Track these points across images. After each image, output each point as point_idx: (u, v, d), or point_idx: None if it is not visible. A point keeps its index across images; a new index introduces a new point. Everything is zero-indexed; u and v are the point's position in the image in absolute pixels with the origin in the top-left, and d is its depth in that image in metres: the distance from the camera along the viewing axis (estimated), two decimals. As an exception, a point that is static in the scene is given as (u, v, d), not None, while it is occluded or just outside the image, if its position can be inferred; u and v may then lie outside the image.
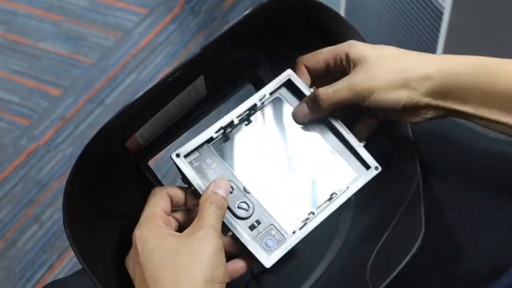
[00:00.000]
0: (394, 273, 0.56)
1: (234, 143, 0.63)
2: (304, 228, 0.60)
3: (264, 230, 0.60)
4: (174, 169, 1.61)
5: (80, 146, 1.69)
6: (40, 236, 1.53)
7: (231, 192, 0.60)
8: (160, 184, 0.66)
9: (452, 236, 0.63)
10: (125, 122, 0.57)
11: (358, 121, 0.67)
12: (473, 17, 1.29)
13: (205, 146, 0.61)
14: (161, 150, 0.67)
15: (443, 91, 0.60)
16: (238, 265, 0.59)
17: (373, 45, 0.63)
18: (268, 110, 0.65)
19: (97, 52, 1.90)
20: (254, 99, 0.63)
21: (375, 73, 0.61)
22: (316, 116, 0.64)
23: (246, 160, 0.62)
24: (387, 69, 0.61)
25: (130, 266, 0.57)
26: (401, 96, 0.60)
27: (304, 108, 0.64)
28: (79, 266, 0.60)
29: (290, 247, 0.60)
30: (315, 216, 0.61)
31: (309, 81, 0.65)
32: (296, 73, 0.65)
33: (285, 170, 0.63)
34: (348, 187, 0.63)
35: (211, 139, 0.62)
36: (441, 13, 1.27)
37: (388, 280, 0.56)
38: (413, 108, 0.62)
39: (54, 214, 1.56)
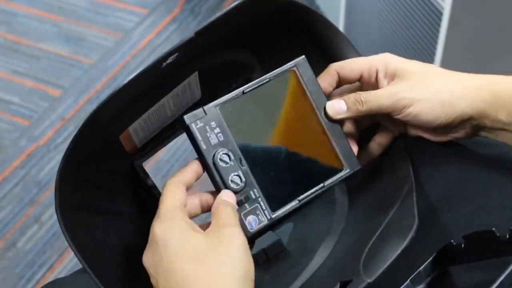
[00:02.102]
0: (389, 262, 0.56)
1: (241, 112, 0.61)
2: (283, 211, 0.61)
3: (250, 207, 0.60)
4: (174, 170, 1.62)
5: (80, 146, 1.69)
6: (40, 237, 1.53)
7: (227, 163, 0.59)
8: (153, 185, 0.66)
9: (451, 237, 0.63)
10: (118, 109, 0.57)
11: (374, 135, 0.67)
12: (473, 17, 1.29)
13: (213, 108, 0.60)
14: (156, 152, 0.67)
15: (482, 110, 0.60)
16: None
17: (411, 60, 0.64)
18: (283, 83, 0.63)
19: (97, 53, 1.90)
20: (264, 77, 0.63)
21: (416, 86, 0.61)
22: (351, 116, 0.64)
23: (248, 132, 0.62)
24: (428, 84, 0.61)
25: (150, 264, 0.55)
26: (439, 112, 0.61)
27: (342, 105, 0.63)
28: (79, 267, 0.60)
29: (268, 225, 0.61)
30: (299, 204, 0.62)
31: (334, 85, 0.65)
32: (324, 76, 0.64)
33: (284, 151, 0.63)
34: (328, 182, 0.63)
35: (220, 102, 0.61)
36: (441, 13, 1.27)
37: (382, 269, 0.56)
38: (445, 126, 0.62)
39: (54, 215, 1.56)
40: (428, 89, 0.61)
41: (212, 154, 0.59)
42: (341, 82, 0.65)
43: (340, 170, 0.64)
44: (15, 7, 2.04)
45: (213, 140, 0.59)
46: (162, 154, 1.63)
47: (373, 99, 0.62)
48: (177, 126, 0.67)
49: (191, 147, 0.60)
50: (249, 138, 0.61)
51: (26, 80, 1.85)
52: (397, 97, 0.61)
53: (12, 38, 1.96)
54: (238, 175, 0.60)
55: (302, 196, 0.62)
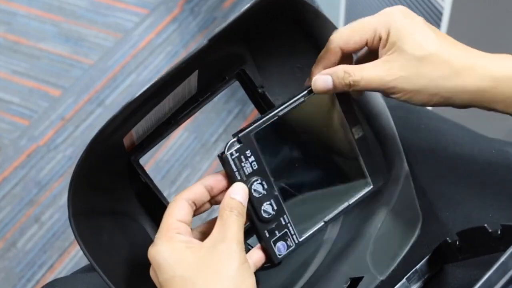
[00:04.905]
0: (398, 260, 0.56)
1: (274, 136, 0.59)
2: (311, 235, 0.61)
3: (279, 234, 0.59)
4: (174, 170, 1.62)
5: (80, 146, 1.69)
6: (40, 237, 1.53)
7: (260, 193, 0.58)
8: (151, 181, 0.66)
9: (448, 236, 0.63)
10: (127, 116, 0.57)
11: None
12: (473, 17, 1.29)
13: (247, 135, 0.58)
14: (152, 148, 0.67)
15: (478, 102, 0.57)
16: (258, 256, 0.58)
17: (417, 26, 0.59)
18: (316, 101, 0.61)
19: (97, 53, 1.90)
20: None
21: (410, 74, 0.57)
22: (337, 92, 0.60)
23: (280, 155, 0.60)
24: (423, 75, 0.57)
25: (155, 280, 0.55)
26: (430, 99, 0.58)
27: (329, 81, 0.59)
28: (79, 266, 0.60)
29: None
30: (325, 225, 0.61)
31: (337, 62, 0.61)
32: (327, 56, 0.61)
33: (314, 171, 0.62)
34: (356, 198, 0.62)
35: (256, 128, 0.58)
36: (441, 13, 1.27)
37: (393, 267, 0.56)
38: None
39: (54, 215, 1.56)
40: (419, 82, 0.57)
41: (247, 185, 0.57)
42: (344, 55, 0.62)
43: (365, 187, 0.63)
44: (15, 7, 2.04)
45: (248, 170, 0.57)
46: (162, 154, 1.63)
47: (361, 83, 0.58)
48: (172, 122, 0.67)
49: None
50: (280, 162, 0.59)
51: (26, 80, 1.85)
52: (388, 85, 0.58)
53: (12, 38, 1.96)
54: (270, 204, 0.58)
55: (327, 218, 0.61)
